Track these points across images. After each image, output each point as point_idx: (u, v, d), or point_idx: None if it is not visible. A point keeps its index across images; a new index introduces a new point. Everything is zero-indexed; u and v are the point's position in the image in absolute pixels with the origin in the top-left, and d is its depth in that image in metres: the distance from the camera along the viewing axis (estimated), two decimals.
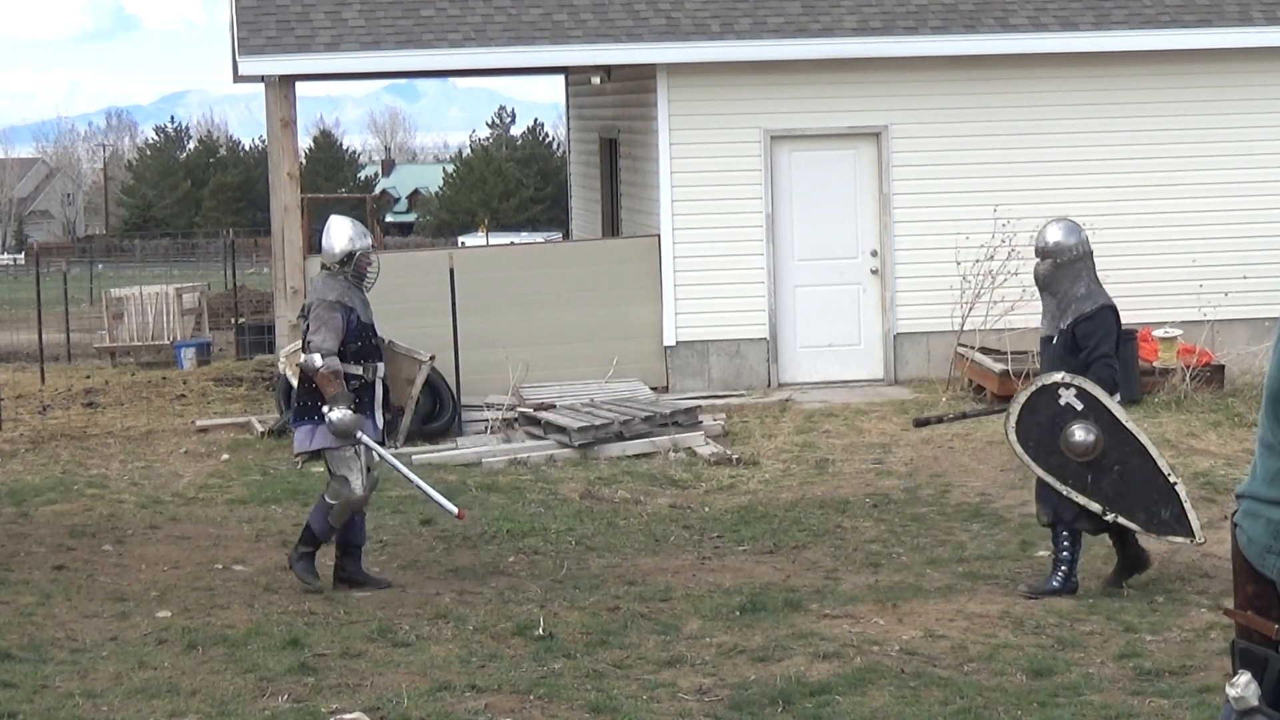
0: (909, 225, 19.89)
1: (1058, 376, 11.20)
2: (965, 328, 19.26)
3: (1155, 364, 18.82)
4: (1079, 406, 11.14)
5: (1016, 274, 19.01)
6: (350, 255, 11.65)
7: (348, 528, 11.78)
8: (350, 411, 11.40)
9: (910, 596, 11.14)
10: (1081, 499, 11.12)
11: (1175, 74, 20.15)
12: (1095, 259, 11.68)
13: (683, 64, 19.58)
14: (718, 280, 19.73)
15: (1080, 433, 11.12)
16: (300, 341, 12.10)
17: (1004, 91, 20.03)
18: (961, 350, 19.36)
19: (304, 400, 11.64)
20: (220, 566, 12.40)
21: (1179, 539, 11.21)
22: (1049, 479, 11.20)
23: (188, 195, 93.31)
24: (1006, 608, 10.79)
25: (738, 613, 10.74)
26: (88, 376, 23.01)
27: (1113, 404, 11.14)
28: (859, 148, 19.95)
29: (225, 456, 16.96)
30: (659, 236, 19.76)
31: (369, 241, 11.78)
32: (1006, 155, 19.86)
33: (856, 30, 19.55)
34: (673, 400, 18.42)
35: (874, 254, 19.95)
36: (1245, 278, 19.70)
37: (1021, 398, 11.30)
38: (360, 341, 11.61)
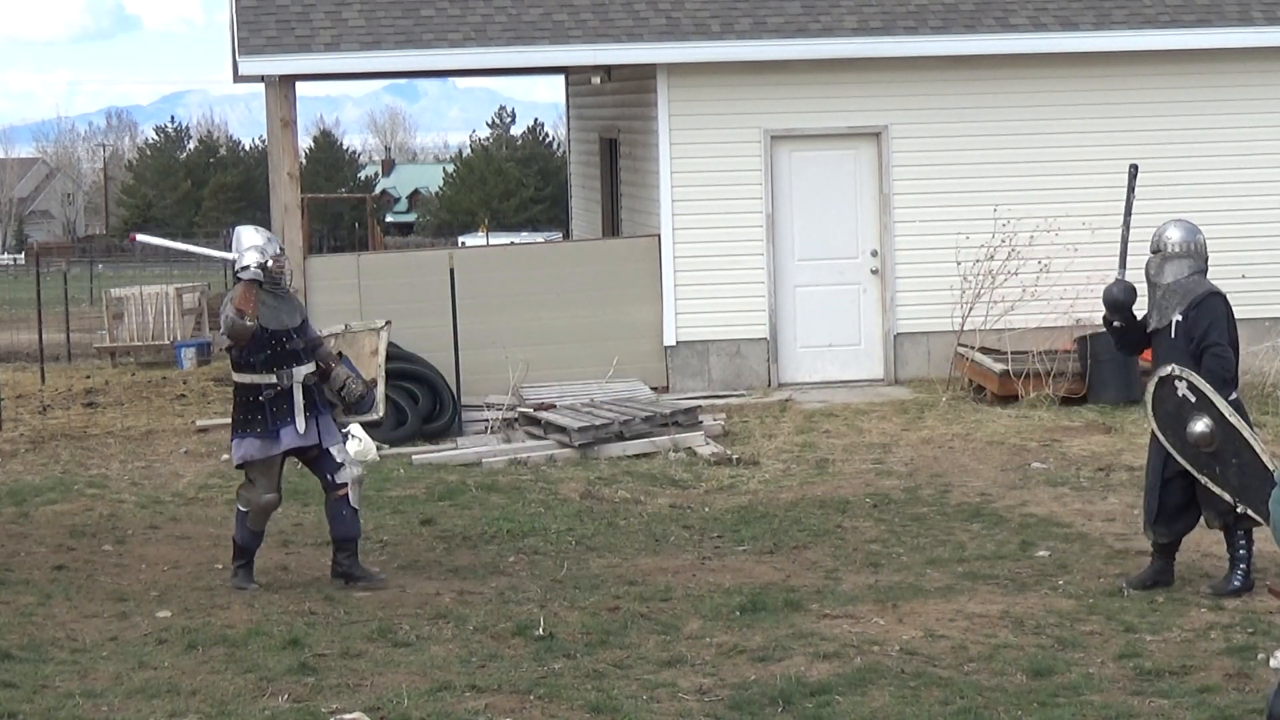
0: (909, 225, 19.89)
1: (1169, 369, 11.17)
2: (965, 328, 19.26)
3: None
4: (1193, 399, 11.11)
5: (1016, 274, 19.05)
6: (262, 266, 11.70)
7: (337, 522, 11.80)
8: (250, 248, 11.60)
9: (910, 596, 11.14)
10: (1215, 489, 11.10)
11: (1175, 74, 20.15)
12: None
13: (683, 64, 19.58)
14: (718, 280, 19.73)
15: (1199, 425, 11.08)
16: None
17: (1004, 91, 20.02)
18: (961, 350, 19.36)
19: (235, 414, 11.81)
20: (220, 566, 12.40)
21: None
22: (1193, 470, 11.16)
23: (188, 195, 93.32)
24: (1006, 608, 10.80)
25: (738, 613, 10.74)
26: (88, 376, 23.01)
27: (1217, 397, 11.04)
28: (859, 148, 19.96)
29: (225, 456, 16.95)
30: (659, 236, 19.76)
31: (276, 247, 11.87)
32: (1006, 155, 19.86)
33: (856, 30, 19.55)
34: (673, 400, 18.42)
35: (874, 254, 19.95)
36: (1244, 277, 19.69)
37: (1150, 390, 11.28)
38: (269, 350, 11.66)
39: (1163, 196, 19.95)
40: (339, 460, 11.86)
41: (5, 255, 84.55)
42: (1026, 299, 19.03)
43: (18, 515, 14.24)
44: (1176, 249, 11.46)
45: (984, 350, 19.08)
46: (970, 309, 19.17)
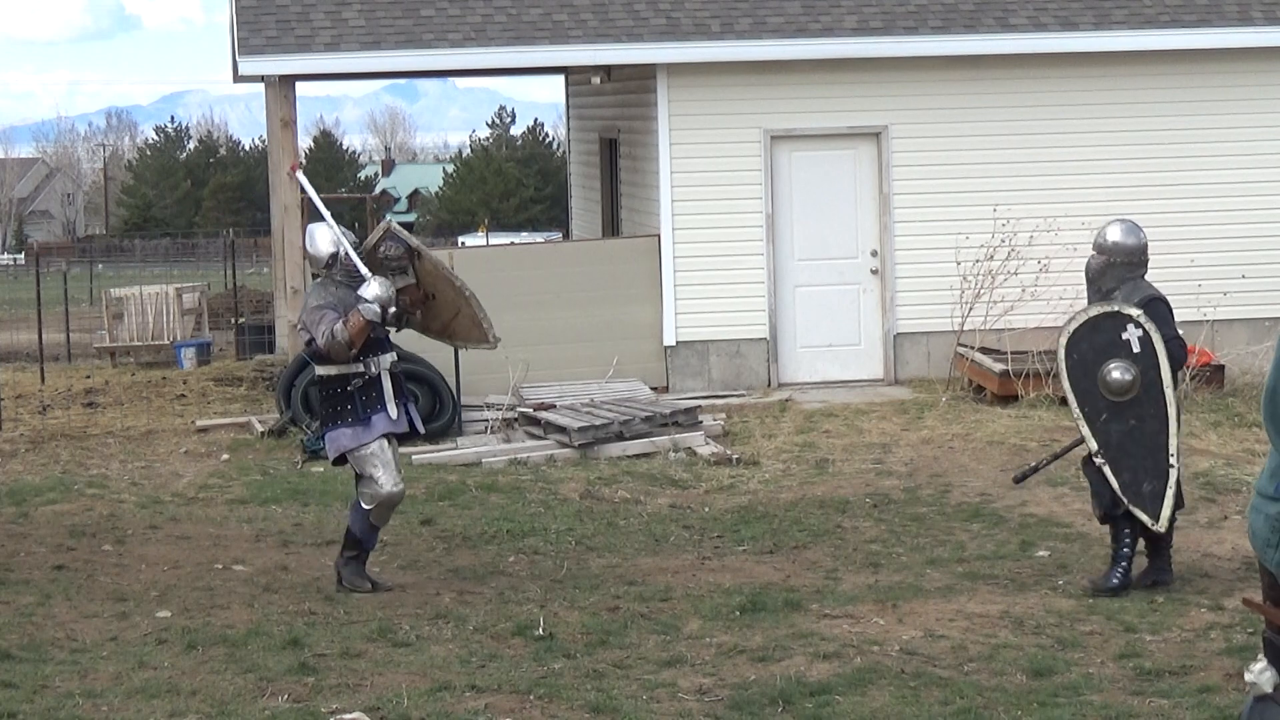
0: (909, 225, 19.89)
1: (1135, 311, 11.18)
2: (965, 328, 19.26)
3: None
4: (1136, 349, 11.14)
5: (1016, 274, 19.04)
6: (334, 256, 11.65)
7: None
8: (376, 280, 11.40)
9: (910, 596, 11.14)
10: (1085, 430, 11.15)
11: (1175, 74, 20.15)
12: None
13: (683, 64, 19.58)
14: (718, 280, 19.73)
15: (1119, 371, 11.14)
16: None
17: (1004, 91, 20.03)
18: (961, 350, 19.36)
19: (324, 408, 11.70)
20: (220, 566, 12.40)
21: (1143, 516, 11.19)
22: (1070, 397, 11.21)
23: (188, 195, 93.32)
24: (1006, 608, 10.80)
25: (738, 613, 10.75)
26: (88, 376, 23.00)
27: (1165, 366, 11.08)
28: (859, 148, 19.96)
29: (225, 456, 16.96)
30: (659, 236, 19.77)
31: (352, 238, 11.76)
32: (1006, 155, 19.86)
33: (856, 30, 19.55)
34: (673, 400, 18.43)
35: (874, 254, 19.95)
36: (1244, 277, 19.71)
37: (1090, 312, 11.32)
38: None
39: (1162, 196, 20.01)
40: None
41: (5, 255, 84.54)
42: (1026, 299, 19.02)
43: (18, 515, 14.23)
44: (1118, 250, 11.47)
45: (984, 350, 19.08)
46: (970, 309, 19.17)
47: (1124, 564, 11.22)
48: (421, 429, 11.96)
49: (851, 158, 19.97)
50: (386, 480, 11.52)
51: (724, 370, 19.80)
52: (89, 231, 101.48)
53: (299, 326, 11.79)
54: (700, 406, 17.99)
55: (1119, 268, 11.48)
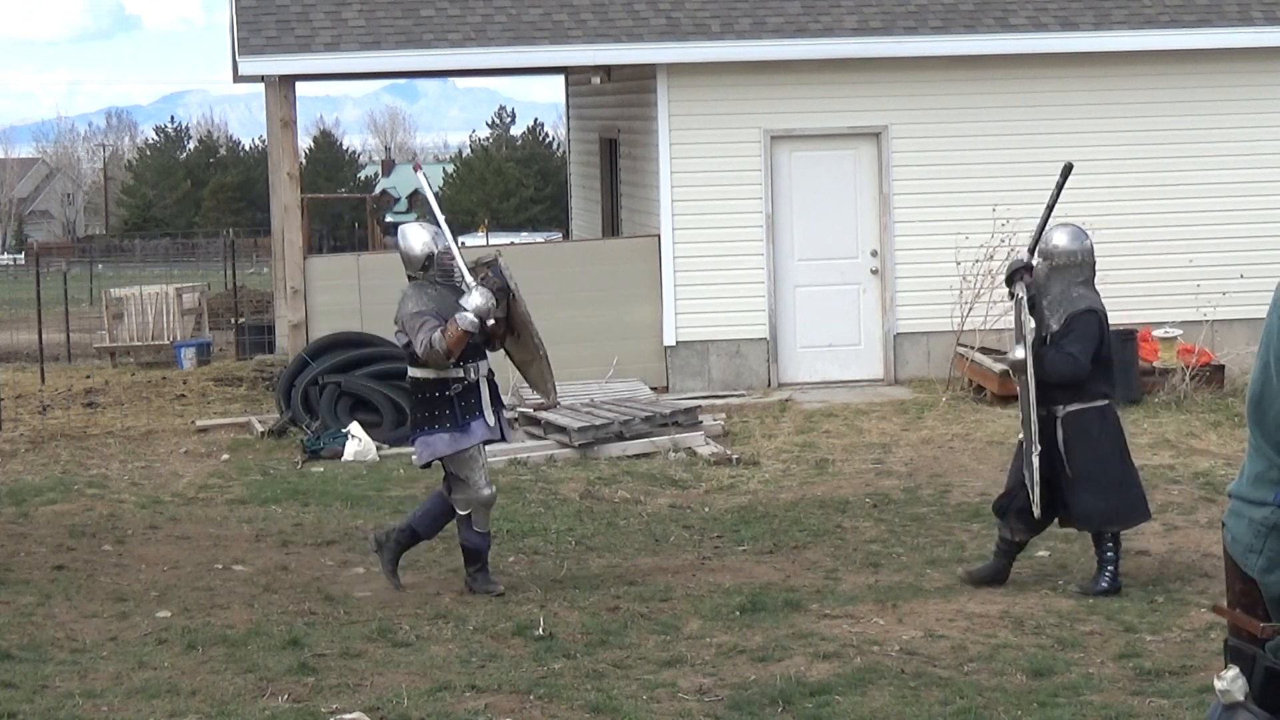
0: (909, 225, 19.90)
1: (1020, 294, 11.33)
2: (965, 328, 19.27)
3: (1155, 364, 18.83)
4: (1025, 330, 11.31)
5: None
6: (430, 256, 11.53)
7: (432, 519, 11.63)
8: (479, 290, 11.27)
9: (910, 596, 11.14)
10: (1026, 402, 11.43)
11: (1175, 74, 20.16)
12: (1096, 259, 11.75)
13: (683, 64, 19.59)
14: (718, 280, 19.73)
15: (1018, 352, 11.33)
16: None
17: (1004, 91, 20.03)
18: (961, 350, 19.37)
19: (417, 412, 11.54)
20: (220, 566, 12.39)
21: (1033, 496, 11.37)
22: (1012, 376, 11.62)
23: (188, 195, 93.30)
24: (1006, 608, 10.80)
25: (738, 613, 10.75)
26: (88, 376, 23.00)
27: (1027, 350, 11.16)
28: (859, 148, 19.96)
29: (225, 456, 16.95)
30: (659, 236, 19.77)
31: (448, 240, 11.61)
32: (1006, 155, 19.86)
33: (856, 30, 19.55)
34: (673, 400, 18.43)
35: (874, 254, 19.96)
36: (1242, 277, 19.71)
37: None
38: None
39: (1162, 196, 20.03)
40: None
41: (5, 255, 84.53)
42: None
43: (18, 515, 14.23)
44: (1063, 257, 11.51)
45: (984, 350, 19.08)
46: (970, 309, 19.18)
47: (1110, 567, 11.25)
48: (509, 437, 11.84)
49: (851, 158, 19.97)
50: (482, 482, 11.42)
51: (724, 370, 19.81)
52: (89, 231, 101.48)
53: (397, 328, 11.57)
54: (700, 406, 17.99)
55: (1066, 271, 11.50)
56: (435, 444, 11.43)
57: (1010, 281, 11.60)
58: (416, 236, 11.58)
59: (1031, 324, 11.25)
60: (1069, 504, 11.33)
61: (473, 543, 11.57)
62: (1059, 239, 11.56)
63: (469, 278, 11.42)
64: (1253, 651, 5.03)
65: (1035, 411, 11.18)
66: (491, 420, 11.52)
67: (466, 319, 11.21)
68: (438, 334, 11.20)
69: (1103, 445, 11.35)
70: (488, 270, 11.63)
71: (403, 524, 11.82)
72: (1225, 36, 19.94)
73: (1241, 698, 4.93)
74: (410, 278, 11.65)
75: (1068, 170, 11.84)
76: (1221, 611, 5.17)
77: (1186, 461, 15.62)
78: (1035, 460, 11.12)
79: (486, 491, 11.50)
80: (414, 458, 11.80)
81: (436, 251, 11.49)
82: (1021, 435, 11.43)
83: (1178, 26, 19.88)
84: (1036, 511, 11.21)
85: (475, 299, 11.28)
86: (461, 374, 11.41)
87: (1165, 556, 12.24)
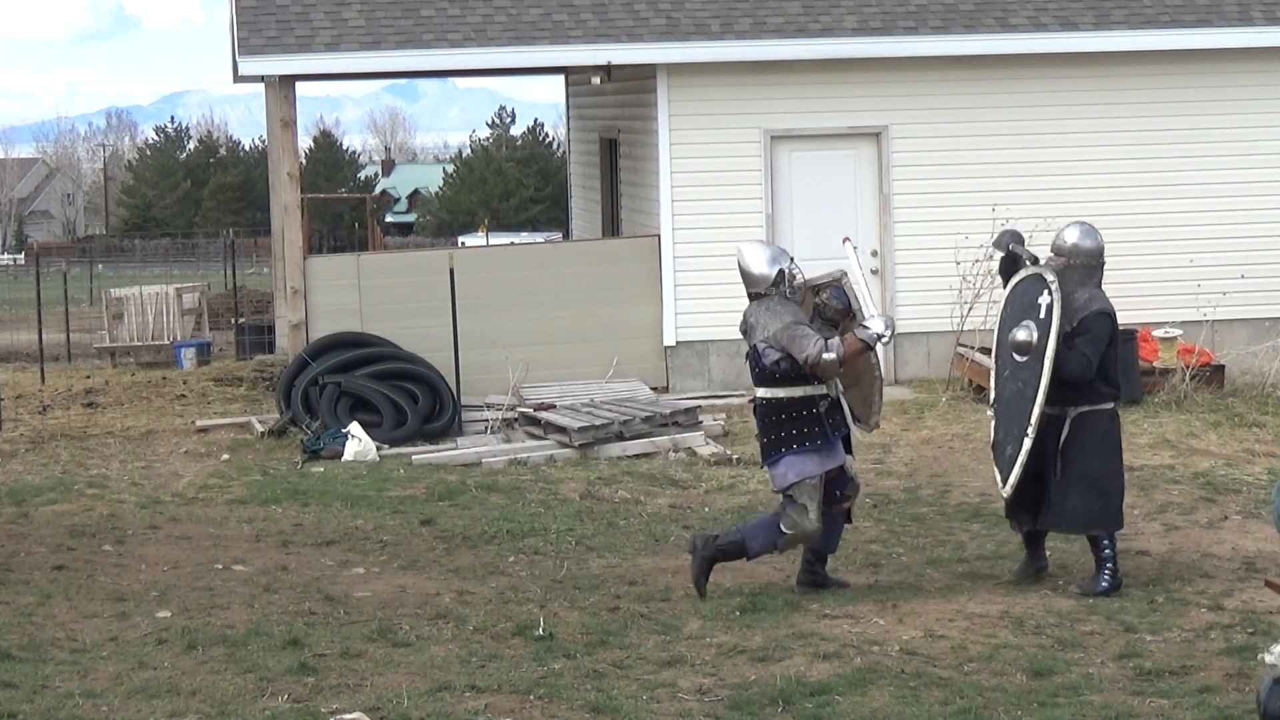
0: (909, 225, 19.89)
1: (1051, 279, 11.27)
2: (965, 328, 19.27)
3: (1155, 364, 18.82)
4: (1041, 315, 11.28)
5: None
6: (782, 274, 11.45)
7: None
8: (882, 318, 11.20)
9: (910, 596, 11.14)
10: (991, 379, 11.57)
11: (1175, 74, 20.15)
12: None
13: (683, 64, 19.58)
14: (718, 280, 19.67)
15: (1023, 332, 11.38)
16: (760, 374, 11.55)
17: (1004, 91, 20.02)
18: (961, 350, 19.36)
19: (773, 434, 11.25)
20: (220, 566, 12.39)
21: (998, 478, 11.43)
22: (995, 347, 11.67)
23: (188, 195, 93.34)
24: (1006, 608, 10.80)
25: (738, 613, 10.75)
26: (88, 376, 23.01)
27: (1053, 341, 11.14)
28: (859, 148, 19.96)
29: (225, 456, 16.95)
30: (659, 236, 19.77)
31: (790, 255, 11.53)
32: (1006, 155, 19.86)
33: (856, 30, 19.55)
34: (673, 400, 18.42)
35: (874, 254, 19.95)
36: (1243, 277, 19.71)
37: (1022, 275, 11.59)
38: None
39: (1162, 196, 20.02)
40: (850, 474, 11.46)
41: (5, 255, 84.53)
42: None
43: (18, 515, 14.23)
44: (1077, 253, 11.51)
45: (984, 350, 19.05)
46: (970, 309, 19.17)
47: (1108, 565, 11.26)
48: (852, 452, 11.55)
49: (851, 158, 19.97)
50: (816, 514, 11.16)
51: (724, 370, 19.80)
52: (89, 231, 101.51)
53: (764, 344, 11.37)
54: (700, 406, 17.99)
55: (1077, 270, 11.51)
56: (806, 464, 11.13)
57: (1000, 245, 11.72)
58: (760, 254, 11.59)
59: (1056, 318, 11.23)
60: (1054, 503, 11.32)
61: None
62: (1078, 238, 11.55)
63: (869, 307, 11.36)
64: None
65: (1039, 406, 11.16)
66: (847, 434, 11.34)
67: (869, 334, 11.04)
68: (836, 340, 11.04)
69: (1104, 449, 11.36)
70: (834, 290, 11.53)
71: (726, 547, 11.40)
72: (1225, 36, 19.93)
73: None
74: (754, 295, 11.56)
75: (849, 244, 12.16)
76: (1274, 586, 5.20)
77: (1186, 461, 15.62)
78: (1027, 444, 11.15)
79: (817, 524, 11.17)
80: (775, 480, 11.29)
81: (786, 268, 11.42)
82: (991, 412, 11.44)
83: (1178, 26, 19.87)
84: (1007, 491, 11.26)
85: (879, 325, 11.11)
86: (825, 389, 11.19)
87: (1165, 556, 12.24)
